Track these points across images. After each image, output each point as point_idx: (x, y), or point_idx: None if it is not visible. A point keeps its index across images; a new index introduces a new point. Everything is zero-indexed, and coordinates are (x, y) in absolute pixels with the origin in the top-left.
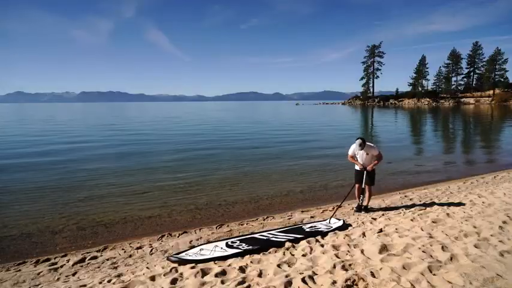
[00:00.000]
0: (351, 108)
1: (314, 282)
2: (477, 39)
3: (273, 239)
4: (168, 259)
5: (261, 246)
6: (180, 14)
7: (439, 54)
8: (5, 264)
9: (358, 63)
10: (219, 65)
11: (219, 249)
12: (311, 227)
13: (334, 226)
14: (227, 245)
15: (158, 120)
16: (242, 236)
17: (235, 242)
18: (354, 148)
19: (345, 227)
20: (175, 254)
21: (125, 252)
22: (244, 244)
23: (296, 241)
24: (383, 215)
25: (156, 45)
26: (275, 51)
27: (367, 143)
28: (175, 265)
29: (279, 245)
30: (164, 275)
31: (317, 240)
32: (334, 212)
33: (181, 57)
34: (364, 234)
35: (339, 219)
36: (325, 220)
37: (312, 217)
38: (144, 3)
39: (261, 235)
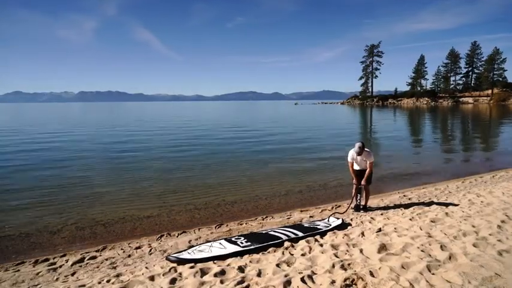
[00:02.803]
0: (349, 108)
1: (313, 282)
2: (469, 37)
3: (272, 233)
4: (167, 259)
5: (261, 241)
6: (163, 11)
7: (434, 53)
8: (3, 264)
9: (353, 62)
10: (215, 64)
11: (218, 244)
12: (310, 224)
13: (333, 224)
14: (226, 240)
15: (157, 120)
16: (241, 235)
17: (234, 236)
18: (352, 153)
19: (344, 226)
20: (174, 254)
21: (123, 252)
22: (242, 238)
23: (295, 240)
24: (382, 214)
25: (144, 44)
26: (267, 50)
27: (365, 149)
28: (174, 265)
29: (279, 243)
30: (163, 275)
31: (316, 240)
32: (340, 209)
33: (173, 56)
34: (363, 234)
35: (338, 218)
36: (324, 219)
37: (311, 217)
38: (125, 0)
39: (260, 231)
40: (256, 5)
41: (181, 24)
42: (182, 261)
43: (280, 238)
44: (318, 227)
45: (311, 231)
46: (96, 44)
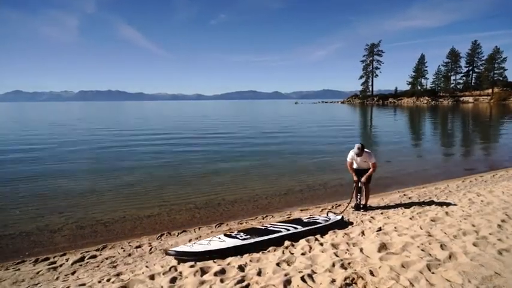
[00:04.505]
0: (350, 107)
1: (313, 281)
2: (465, 35)
3: (271, 228)
4: (166, 253)
5: (260, 235)
6: (145, 6)
7: (431, 51)
8: (4, 263)
9: (351, 60)
10: (207, 62)
11: (217, 238)
12: (309, 219)
13: (333, 219)
14: (225, 235)
15: (156, 120)
16: (241, 230)
17: (234, 231)
18: (351, 154)
19: (344, 225)
20: (173, 248)
21: (124, 251)
22: (242, 233)
23: (295, 238)
24: (382, 213)
25: (130, 42)
26: (257, 48)
27: (365, 150)
28: (175, 263)
29: (279, 242)
30: (163, 274)
31: (316, 239)
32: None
33: (162, 53)
34: (363, 233)
35: (338, 215)
36: (323, 216)
37: (311, 215)
38: None
39: (260, 227)
40: (240, 1)
41: (167, 21)
42: (181, 254)
43: (280, 232)
44: (318, 221)
45: (310, 226)
46: (85, 41)
